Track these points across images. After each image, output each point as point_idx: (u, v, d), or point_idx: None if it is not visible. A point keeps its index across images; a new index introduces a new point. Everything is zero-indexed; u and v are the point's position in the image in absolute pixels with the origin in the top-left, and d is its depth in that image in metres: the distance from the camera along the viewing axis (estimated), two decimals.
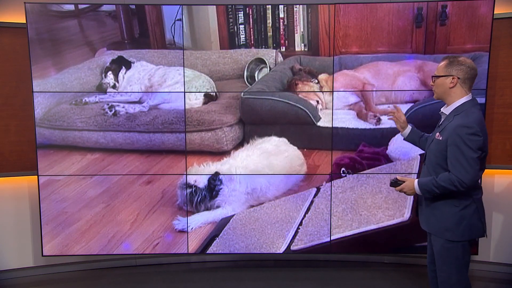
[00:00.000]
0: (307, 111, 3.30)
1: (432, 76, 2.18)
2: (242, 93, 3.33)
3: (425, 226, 2.25)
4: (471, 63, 2.12)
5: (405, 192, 2.20)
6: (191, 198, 3.35)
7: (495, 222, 3.45)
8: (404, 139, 2.46)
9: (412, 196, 3.28)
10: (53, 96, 3.27)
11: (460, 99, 2.11)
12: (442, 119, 2.18)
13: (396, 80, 3.32)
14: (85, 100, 3.31)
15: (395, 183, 2.21)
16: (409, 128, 2.42)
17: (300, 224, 3.35)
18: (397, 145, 3.30)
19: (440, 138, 2.09)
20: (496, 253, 3.48)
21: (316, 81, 3.33)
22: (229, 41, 3.32)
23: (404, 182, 2.19)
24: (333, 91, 3.32)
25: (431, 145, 2.17)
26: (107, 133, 3.34)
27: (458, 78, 2.09)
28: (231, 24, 3.30)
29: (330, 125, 3.32)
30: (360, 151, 3.33)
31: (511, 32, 3.27)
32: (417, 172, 3.29)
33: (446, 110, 2.15)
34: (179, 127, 3.33)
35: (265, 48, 3.33)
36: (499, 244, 3.47)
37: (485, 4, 3.12)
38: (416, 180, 2.15)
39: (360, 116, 3.33)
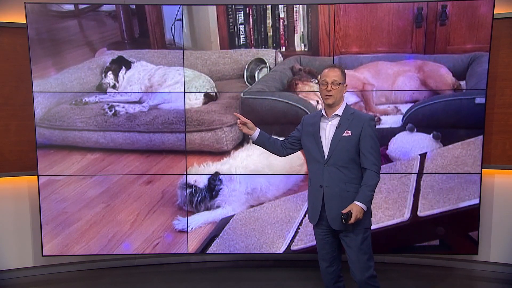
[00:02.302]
0: (307, 111, 3.30)
1: (338, 84, 2.28)
2: (242, 93, 3.33)
3: (343, 226, 2.27)
4: None
5: (360, 218, 2.23)
6: (191, 198, 3.35)
7: (495, 222, 3.45)
8: (253, 142, 2.53)
9: (412, 196, 3.29)
10: (53, 96, 3.27)
11: (344, 101, 2.36)
12: (337, 120, 2.31)
13: (396, 80, 3.32)
14: (85, 100, 3.31)
15: (347, 217, 2.20)
16: (257, 131, 2.49)
17: (300, 224, 3.36)
18: (397, 145, 3.30)
19: (350, 134, 2.27)
20: (496, 253, 3.48)
21: (316, 81, 3.33)
22: (229, 41, 3.32)
23: (351, 211, 2.21)
24: None
25: (340, 144, 2.27)
26: (107, 133, 3.34)
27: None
28: (231, 24, 3.30)
29: None
30: None
31: (511, 32, 3.28)
32: (417, 172, 3.29)
33: (338, 111, 2.32)
34: (179, 127, 3.33)
35: (265, 48, 3.33)
36: (499, 244, 3.47)
37: (485, 4, 3.12)
38: (356, 201, 2.23)
39: None
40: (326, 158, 2.30)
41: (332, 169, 2.29)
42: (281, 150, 2.53)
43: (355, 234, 2.29)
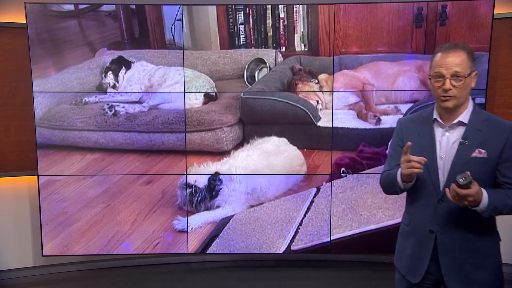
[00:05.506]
0: (307, 111, 3.30)
1: (462, 77, 1.53)
2: (242, 93, 3.33)
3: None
4: None
5: (466, 202, 1.50)
6: (191, 198, 3.35)
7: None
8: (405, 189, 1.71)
9: None
10: (53, 96, 3.27)
11: (470, 99, 1.61)
12: (460, 131, 1.59)
13: (396, 80, 3.32)
14: (85, 100, 3.31)
15: (469, 182, 1.45)
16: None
17: (300, 224, 3.35)
18: None
19: (485, 155, 1.55)
20: None
21: (316, 81, 3.33)
22: (229, 41, 3.32)
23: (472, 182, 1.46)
24: (333, 91, 3.32)
25: (466, 169, 1.50)
26: (107, 133, 3.34)
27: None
28: (231, 24, 3.30)
29: (330, 125, 3.32)
30: (360, 151, 3.32)
31: (511, 32, 3.27)
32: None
33: (463, 117, 1.59)
34: (179, 127, 3.33)
35: (265, 48, 3.33)
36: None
37: (485, 4, 3.12)
38: (485, 190, 1.52)
39: (360, 116, 3.33)
40: (442, 189, 1.58)
41: (452, 207, 1.57)
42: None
43: None
